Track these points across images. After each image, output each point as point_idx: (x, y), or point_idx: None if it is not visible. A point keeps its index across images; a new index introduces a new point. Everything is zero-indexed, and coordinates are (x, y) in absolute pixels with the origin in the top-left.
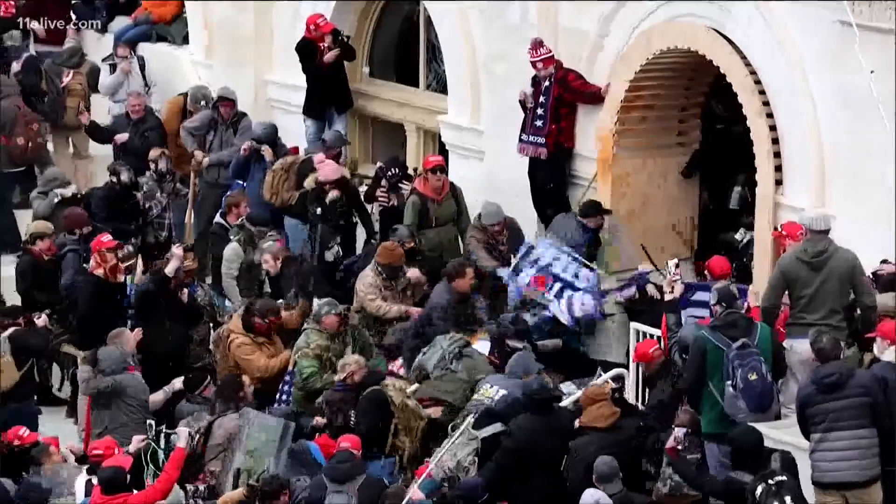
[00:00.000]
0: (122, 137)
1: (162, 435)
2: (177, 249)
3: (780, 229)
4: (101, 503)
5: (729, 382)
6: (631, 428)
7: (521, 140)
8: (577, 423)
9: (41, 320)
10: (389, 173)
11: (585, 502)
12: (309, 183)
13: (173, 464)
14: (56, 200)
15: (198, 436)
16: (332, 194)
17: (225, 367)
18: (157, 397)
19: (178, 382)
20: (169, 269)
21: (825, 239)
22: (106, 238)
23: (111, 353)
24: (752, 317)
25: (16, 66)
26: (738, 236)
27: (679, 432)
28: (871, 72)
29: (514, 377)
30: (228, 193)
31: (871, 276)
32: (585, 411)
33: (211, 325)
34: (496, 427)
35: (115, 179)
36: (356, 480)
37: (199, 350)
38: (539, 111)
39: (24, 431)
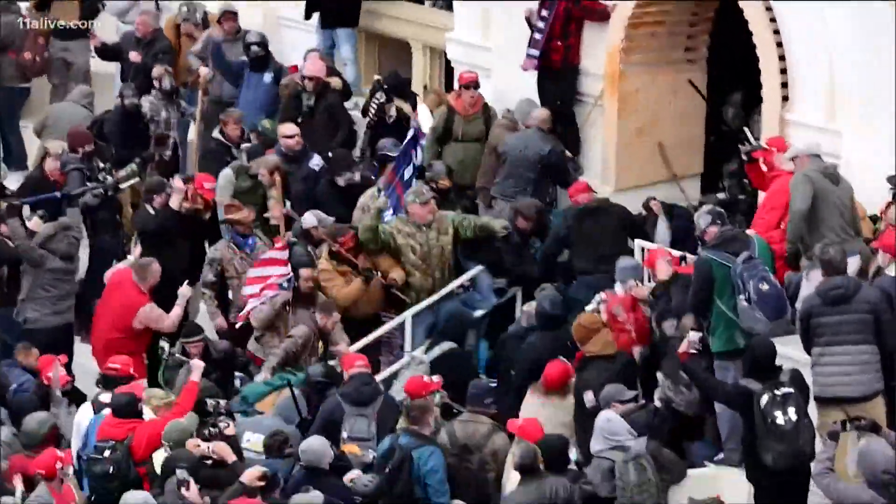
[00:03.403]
0: (135, 56)
1: (171, 357)
2: (177, 182)
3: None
4: (113, 425)
5: (742, 296)
6: (625, 355)
7: (527, 56)
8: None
9: (32, 223)
10: (385, 88)
11: (600, 425)
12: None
13: (186, 395)
14: None
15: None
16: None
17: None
18: (176, 312)
19: (185, 290)
20: (174, 203)
21: (822, 160)
22: (209, 185)
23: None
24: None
25: None
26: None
27: (694, 336)
28: None
29: None
30: (227, 110)
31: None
32: (591, 341)
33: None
34: (444, 346)
35: (120, 101)
36: (376, 402)
37: None
38: (540, 24)
39: (52, 372)
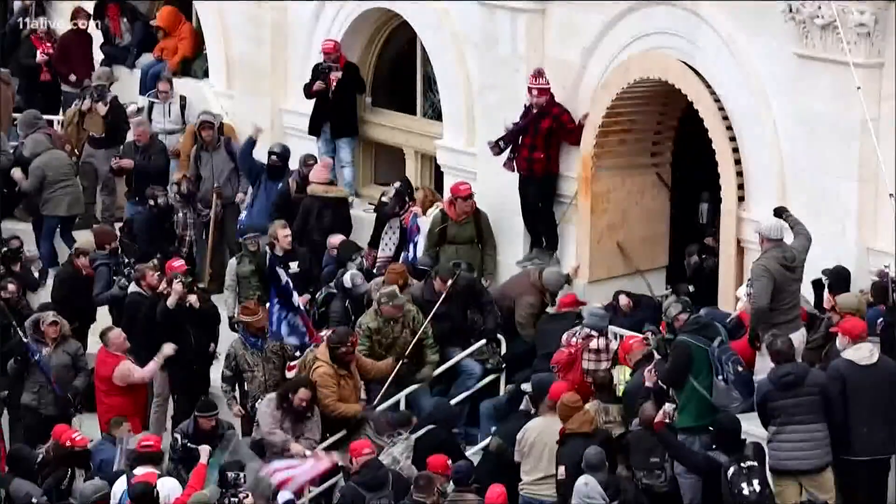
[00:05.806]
0: (126, 163)
1: (181, 448)
2: (176, 285)
3: None
4: None
5: (720, 377)
6: (603, 432)
7: (507, 159)
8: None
9: None
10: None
11: (578, 488)
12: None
13: (195, 478)
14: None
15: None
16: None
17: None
18: (149, 367)
19: (167, 349)
20: (170, 303)
21: (784, 244)
22: (177, 263)
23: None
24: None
25: (102, 108)
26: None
27: (668, 407)
28: (858, 87)
29: None
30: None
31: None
32: (571, 419)
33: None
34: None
35: (152, 203)
36: (389, 484)
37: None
38: (511, 127)
39: (77, 435)
